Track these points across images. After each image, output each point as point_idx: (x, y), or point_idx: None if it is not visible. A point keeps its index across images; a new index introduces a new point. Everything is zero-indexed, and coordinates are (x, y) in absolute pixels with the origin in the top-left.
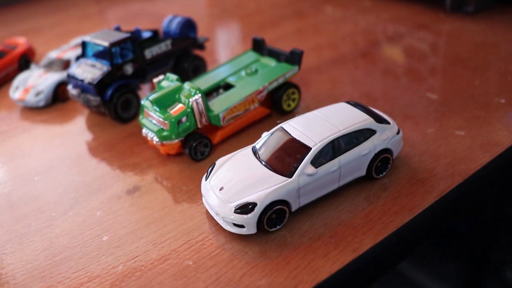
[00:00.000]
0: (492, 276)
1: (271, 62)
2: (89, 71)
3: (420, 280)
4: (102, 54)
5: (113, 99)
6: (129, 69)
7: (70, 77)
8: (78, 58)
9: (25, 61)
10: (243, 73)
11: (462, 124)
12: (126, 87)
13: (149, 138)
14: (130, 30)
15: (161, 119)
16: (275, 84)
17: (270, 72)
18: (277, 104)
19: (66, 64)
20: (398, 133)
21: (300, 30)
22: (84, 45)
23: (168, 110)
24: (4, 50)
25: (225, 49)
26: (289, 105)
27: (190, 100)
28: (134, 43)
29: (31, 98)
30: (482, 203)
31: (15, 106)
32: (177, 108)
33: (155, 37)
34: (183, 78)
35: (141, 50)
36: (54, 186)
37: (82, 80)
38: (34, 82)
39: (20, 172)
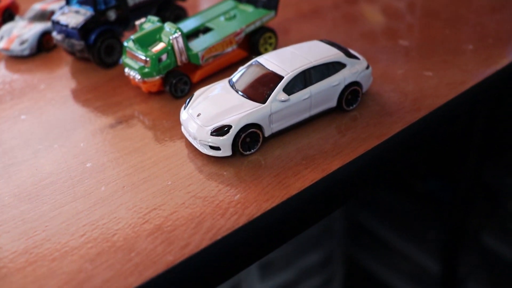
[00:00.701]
0: (470, 240)
1: (249, 8)
2: (73, 16)
3: (402, 247)
4: (86, 1)
5: (97, 44)
6: (112, 15)
7: (55, 23)
8: (62, 7)
9: (8, 14)
10: (222, 18)
11: (430, 67)
12: (109, 32)
13: (131, 77)
14: None
15: (142, 57)
16: (252, 27)
17: (248, 16)
18: (254, 47)
19: (50, 15)
20: (367, 68)
21: None
22: None
23: (149, 49)
24: None
25: (206, 1)
26: (266, 49)
27: (170, 37)
28: None
29: (16, 47)
30: (460, 168)
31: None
32: (158, 46)
33: None
34: None
35: None
36: (39, 123)
37: (66, 26)
38: (19, 32)
39: (7, 113)
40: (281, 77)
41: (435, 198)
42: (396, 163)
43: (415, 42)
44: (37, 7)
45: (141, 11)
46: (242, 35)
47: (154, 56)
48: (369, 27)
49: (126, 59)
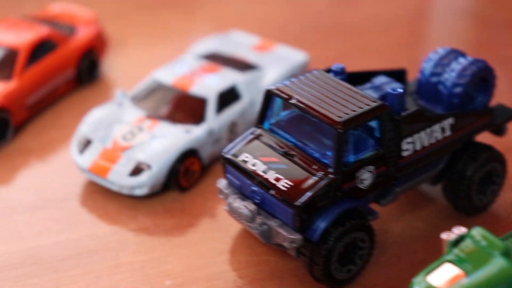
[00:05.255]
0: None
1: None
2: (283, 168)
3: None
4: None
5: (329, 242)
6: (367, 177)
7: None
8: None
9: (90, 63)
10: None
11: None
12: (353, 216)
13: None
14: (353, 72)
15: None
16: None
17: None
18: None
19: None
20: None
21: None
22: (269, 99)
23: None
24: (51, 38)
25: None
26: None
27: None
28: (386, 119)
29: (120, 175)
30: None
31: (75, 177)
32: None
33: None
34: None
35: (397, 138)
36: None
37: (262, 184)
38: (130, 138)
39: None
40: None
41: None
42: None
43: None
44: (164, 78)
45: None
46: None
47: None
48: None
49: None
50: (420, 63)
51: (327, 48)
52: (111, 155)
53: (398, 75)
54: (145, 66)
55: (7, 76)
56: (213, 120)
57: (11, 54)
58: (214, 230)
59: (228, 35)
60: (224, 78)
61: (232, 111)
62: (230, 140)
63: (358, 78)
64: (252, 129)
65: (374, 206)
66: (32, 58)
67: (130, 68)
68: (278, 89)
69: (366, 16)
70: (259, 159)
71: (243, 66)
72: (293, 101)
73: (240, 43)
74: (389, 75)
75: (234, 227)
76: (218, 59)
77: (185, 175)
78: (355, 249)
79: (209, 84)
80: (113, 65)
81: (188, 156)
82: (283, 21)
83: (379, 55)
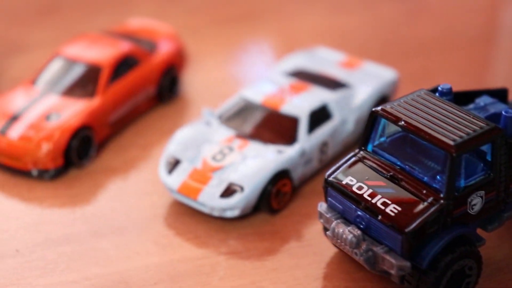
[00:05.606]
0: None
1: None
2: (390, 192)
3: None
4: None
5: (438, 269)
6: (477, 202)
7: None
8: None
9: (171, 80)
10: None
11: None
12: (462, 242)
13: None
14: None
15: None
16: None
17: None
18: None
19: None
20: None
21: None
22: (375, 120)
23: None
24: (133, 54)
25: None
26: None
27: None
28: (499, 142)
29: (211, 197)
30: None
31: (162, 197)
32: None
33: None
34: None
35: (509, 162)
36: None
37: (369, 209)
38: (221, 158)
39: None
40: None
41: None
42: None
43: None
44: (253, 96)
45: None
46: None
47: None
48: None
49: None
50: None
51: (410, 64)
52: (202, 176)
53: (499, 94)
54: (224, 83)
55: (91, 94)
56: (305, 140)
57: (94, 71)
58: (308, 254)
59: (313, 51)
60: (315, 96)
61: (323, 131)
62: (321, 160)
63: (458, 98)
64: (355, 151)
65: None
66: (115, 75)
67: (209, 85)
68: (385, 111)
69: (446, 29)
70: (365, 182)
71: (333, 84)
72: (401, 123)
73: (326, 60)
74: (490, 94)
75: (329, 251)
76: (306, 77)
77: (276, 196)
78: (462, 277)
79: (300, 103)
80: (191, 81)
81: (280, 177)
82: (362, 35)
83: (461, 72)
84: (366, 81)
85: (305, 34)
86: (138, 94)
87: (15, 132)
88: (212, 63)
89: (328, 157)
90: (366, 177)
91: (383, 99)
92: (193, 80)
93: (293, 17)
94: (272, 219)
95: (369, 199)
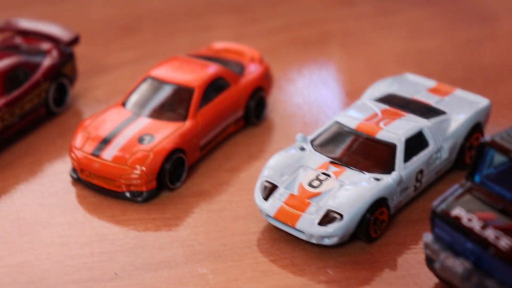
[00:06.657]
0: None
1: None
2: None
3: None
4: None
5: None
6: None
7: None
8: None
9: (258, 102)
10: None
11: None
12: None
13: None
14: None
15: None
16: None
17: None
18: None
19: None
20: None
21: None
22: (483, 151)
23: None
24: (223, 77)
25: None
26: None
27: None
28: None
29: (310, 224)
30: None
31: (257, 223)
32: None
33: None
34: None
35: None
36: None
37: (480, 242)
38: (318, 184)
39: None
40: None
41: None
42: None
43: None
44: (350, 121)
45: None
46: None
47: None
48: None
49: None
50: None
51: (499, 91)
52: (299, 203)
53: None
54: (306, 108)
55: (183, 116)
56: (403, 168)
57: (186, 93)
58: (408, 284)
59: (402, 77)
60: (411, 123)
61: (419, 159)
62: (416, 188)
63: None
64: (462, 182)
65: None
66: (206, 97)
67: (292, 108)
68: (495, 142)
69: None
70: (475, 214)
71: (427, 110)
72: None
73: (416, 86)
74: None
75: (430, 281)
76: (398, 103)
77: (374, 225)
78: None
79: (396, 130)
80: (274, 104)
81: (378, 205)
82: (443, 60)
83: None
84: (459, 109)
85: (386, 60)
86: (228, 117)
87: (109, 154)
88: (293, 88)
89: (422, 185)
90: (476, 209)
91: (476, 127)
92: (275, 103)
93: (372, 41)
94: (369, 248)
95: (480, 231)
